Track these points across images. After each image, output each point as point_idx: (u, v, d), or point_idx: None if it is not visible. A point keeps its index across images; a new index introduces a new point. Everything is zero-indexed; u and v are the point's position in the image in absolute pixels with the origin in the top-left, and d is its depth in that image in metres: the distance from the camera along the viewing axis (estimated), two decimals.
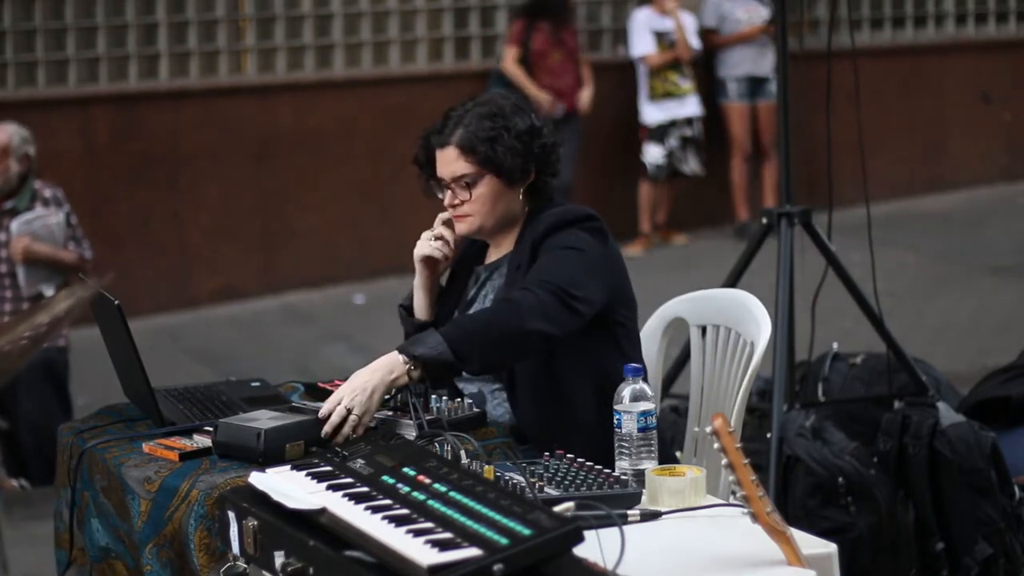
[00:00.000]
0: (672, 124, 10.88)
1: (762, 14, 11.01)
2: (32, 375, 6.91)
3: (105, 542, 3.54)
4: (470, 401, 3.76)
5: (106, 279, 3.88)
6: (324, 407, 3.59)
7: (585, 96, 10.59)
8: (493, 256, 3.99)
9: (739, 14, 11.09)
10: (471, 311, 3.93)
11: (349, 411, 3.56)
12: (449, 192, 3.86)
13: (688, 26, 10.84)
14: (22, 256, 6.99)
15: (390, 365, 3.59)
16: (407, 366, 3.58)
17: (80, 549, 3.68)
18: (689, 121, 10.93)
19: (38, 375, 6.97)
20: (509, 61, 10.47)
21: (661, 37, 10.81)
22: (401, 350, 3.61)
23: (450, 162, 3.84)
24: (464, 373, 3.75)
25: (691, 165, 11.00)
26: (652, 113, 10.87)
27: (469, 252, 4.04)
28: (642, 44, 10.81)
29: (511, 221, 3.91)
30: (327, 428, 3.55)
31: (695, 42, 10.90)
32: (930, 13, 12.61)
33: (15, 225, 7.03)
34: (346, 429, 3.56)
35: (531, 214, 3.90)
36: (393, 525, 2.78)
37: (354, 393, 3.57)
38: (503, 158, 3.80)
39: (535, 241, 3.81)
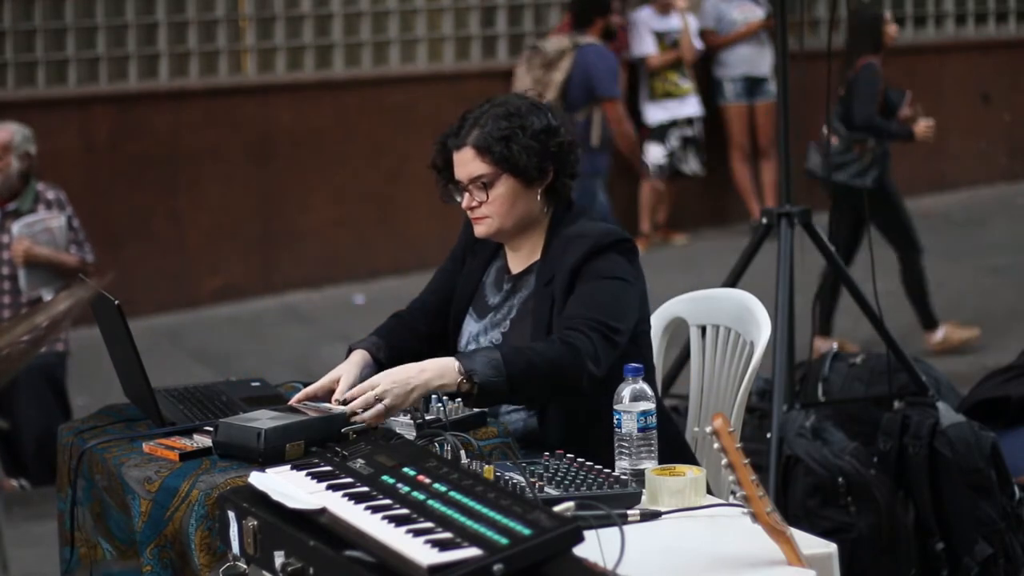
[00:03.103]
0: (673, 124, 10.88)
1: (757, 14, 11.03)
2: (31, 377, 6.89)
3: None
4: None
5: (106, 279, 3.88)
6: (357, 387, 3.51)
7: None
8: (516, 264, 3.92)
9: (735, 15, 11.09)
10: (494, 318, 3.88)
11: (379, 400, 3.48)
12: (467, 194, 3.81)
13: (692, 27, 10.83)
14: (23, 259, 6.96)
15: (442, 370, 3.51)
16: (460, 378, 3.51)
17: (95, 545, 3.68)
18: (690, 121, 10.92)
19: (37, 378, 6.96)
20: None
21: (661, 37, 10.81)
22: (459, 358, 3.53)
23: (466, 163, 3.80)
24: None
25: (692, 165, 10.99)
26: (653, 113, 10.87)
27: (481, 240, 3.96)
28: (642, 44, 10.80)
29: (531, 223, 3.85)
30: (351, 406, 3.46)
31: (698, 43, 10.90)
32: (930, 13, 12.61)
33: (17, 227, 7.00)
34: (367, 415, 3.46)
35: (554, 220, 3.86)
36: (393, 525, 2.78)
37: (394, 384, 3.49)
38: (519, 157, 3.75)
39: (575, 265, 3.73)
